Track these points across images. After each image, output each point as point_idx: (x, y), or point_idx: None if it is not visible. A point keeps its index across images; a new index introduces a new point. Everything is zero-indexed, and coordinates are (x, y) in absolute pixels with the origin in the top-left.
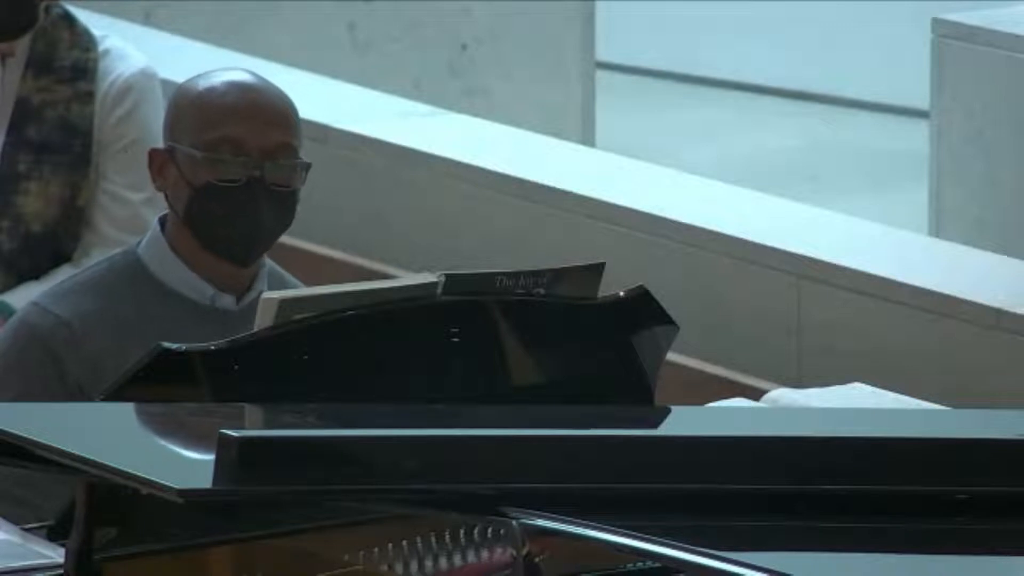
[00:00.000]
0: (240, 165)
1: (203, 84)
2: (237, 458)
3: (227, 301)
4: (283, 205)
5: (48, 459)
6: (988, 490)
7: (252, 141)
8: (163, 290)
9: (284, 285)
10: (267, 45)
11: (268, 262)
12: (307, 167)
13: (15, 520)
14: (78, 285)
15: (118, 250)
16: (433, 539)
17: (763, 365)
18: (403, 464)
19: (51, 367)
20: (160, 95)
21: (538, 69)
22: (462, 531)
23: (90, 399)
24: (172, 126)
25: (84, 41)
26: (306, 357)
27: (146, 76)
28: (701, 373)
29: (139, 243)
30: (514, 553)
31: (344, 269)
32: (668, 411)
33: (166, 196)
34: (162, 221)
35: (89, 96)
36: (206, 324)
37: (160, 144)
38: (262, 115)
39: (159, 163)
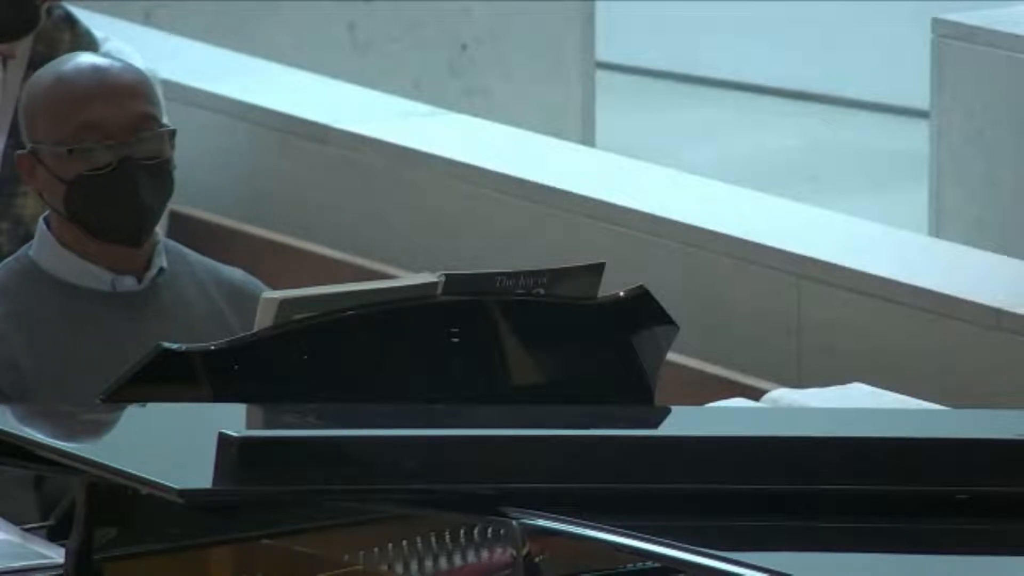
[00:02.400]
0: (105, 149)
1: (51, 77)
2: (237, 458)
3: (128, 283)
4: (159, 176)
5: (48, 459)
6: (988, 490)
7: (111, 122)
8: (62, 286)
9: (184, 258)
10: (267, 45)
11: (166, 240)
12: (173, 133)
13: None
14: None
15: (10, 256)
16: (433, 539)
17: (763, 365)
18: (403, 464)
19: None
20: (161, 96)
21: (538, 69)
22: (462, 531)
23: (10, 400)
24: (29, 127)
25: (85, 42)
26: (306, 357)
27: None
28: (701, 373)
29: (29, 247)
30: (514, 553)
31: (344, 269)
32: (668, 411)
33: (42, 196)
34: (46, 220)
35: None
36: (112, 310)
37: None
38: (113, 93)
39: (28, 166)
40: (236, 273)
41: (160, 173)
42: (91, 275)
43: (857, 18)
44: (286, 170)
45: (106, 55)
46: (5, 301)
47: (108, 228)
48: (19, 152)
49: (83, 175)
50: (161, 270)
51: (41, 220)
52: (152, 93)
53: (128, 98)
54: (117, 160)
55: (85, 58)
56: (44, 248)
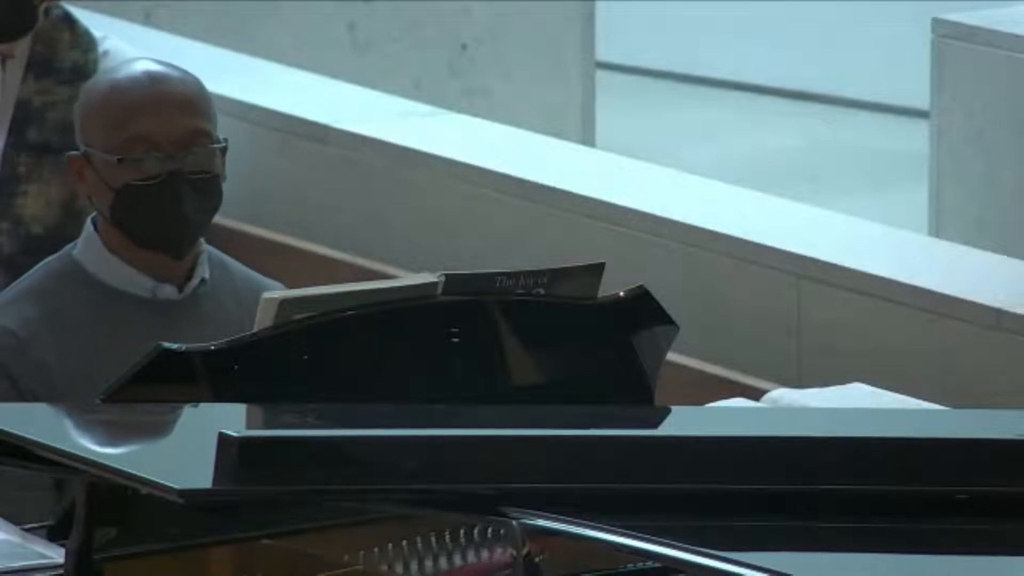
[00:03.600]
0: (155, 161)
1: (106, 84)
2: (237, 458)
3: (169, 291)
4: (206, 191)
5: (48, 459)
6: (988, 490)
7: (163, 134)
8: (104, 289)
9: (226, 269)
10: (267, 45)
11: (210, 248)
12: (224, 149)
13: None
14: (18, 294)
15: (52, 256)
16: (433, 539)
17: (763, 365)
18: (403, 464)
19: (2, 380)
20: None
21: (538, 69)
22: (462, 531)
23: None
24: (83, 130)
25: (84, 42)
26: (306, 357)
27: None
28: (701, 373)
29: (74, 246)
30: (514, 553)
31: (344, 269)
32: (668, 411)
33: (89, 199)
34: (94, 221)
35: None
36: (150, 317)
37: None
38: (168, 106)
39: (77, 168)
40: (276, 286)
41: (207, 188)
42: (133, 281)
43: (857, 18)
44: (286, 170)
45: (167, 63)
46: (42, 302)
47: (150, 238)
48: (71, 154)
49: (130, 184)
50: (203, 280)
51: (89, 221)
52: (207, 107)
53: (180, 111)
54: (166, 172)
55: (142, 66)
56: (89, 250)
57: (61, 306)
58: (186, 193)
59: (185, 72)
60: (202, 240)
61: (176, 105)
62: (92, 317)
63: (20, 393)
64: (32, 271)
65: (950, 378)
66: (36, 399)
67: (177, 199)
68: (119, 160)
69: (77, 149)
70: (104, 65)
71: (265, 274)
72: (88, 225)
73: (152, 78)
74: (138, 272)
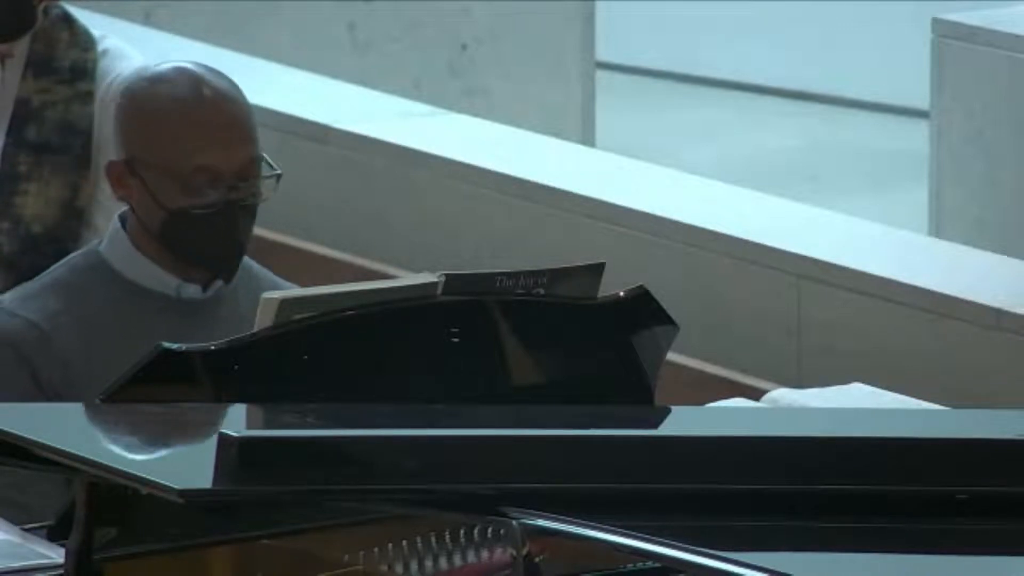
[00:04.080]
0: (216, 192)
1: (166, 98)
2: (237, 458)
3: (193, 291)
4: (253, 214)
5: (48, 459)
6: (988, 490)
7: (227, 165)
8: (128, 286)
9: (250, 272)
10: (267, 45)
11: None
12: (279, 177)
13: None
14: (42, 287)
15: (77, 251)
16: (433, 539)
17: (763, 365)
18: (403, 464)
19: (23, 368)
20: None
21: (538, 69)
22: (462, 531)
23: (63, 399)
24: (130, 140)
25: (83, 41)
26: (306, 357)
27: None
28: (701, 373)
29: (100, 242)
30: (514, 553)
31: (344, 269)
32: (668, 411)
33: (131, 205)
34: (122, 218)
35: (89, 96)
36: (174, 315)
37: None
38: (231, 136)
39: (117, 174)
40: (294, 287)
41: (255, 211)
42: (159, 279)
43: (857, 18)
44: (286, 170)
45: (213, 71)
46: (66, 298)
47: (203, 261)
48: (112, 160)
49: (186, 210)
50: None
51: (116, 218)
52: (255, 129)
53: (243, 142)
54: (223, 202)
55: (201, 81)
56: (116, 247)
57: (85, 300)
58: (239, 220)
59: (231, 83)
60: None
61: (239, 135)
62: (116, 313)
63: (40, 385)
64: (57, 265)
65: (950, 378)
66: (56, 391)
67: (231, 226)
68: (179, 183)
69: (83, 149)
70: (103, 64)
71: None
72: (115, 222)
73: (216, 100)
74: (165, 271)
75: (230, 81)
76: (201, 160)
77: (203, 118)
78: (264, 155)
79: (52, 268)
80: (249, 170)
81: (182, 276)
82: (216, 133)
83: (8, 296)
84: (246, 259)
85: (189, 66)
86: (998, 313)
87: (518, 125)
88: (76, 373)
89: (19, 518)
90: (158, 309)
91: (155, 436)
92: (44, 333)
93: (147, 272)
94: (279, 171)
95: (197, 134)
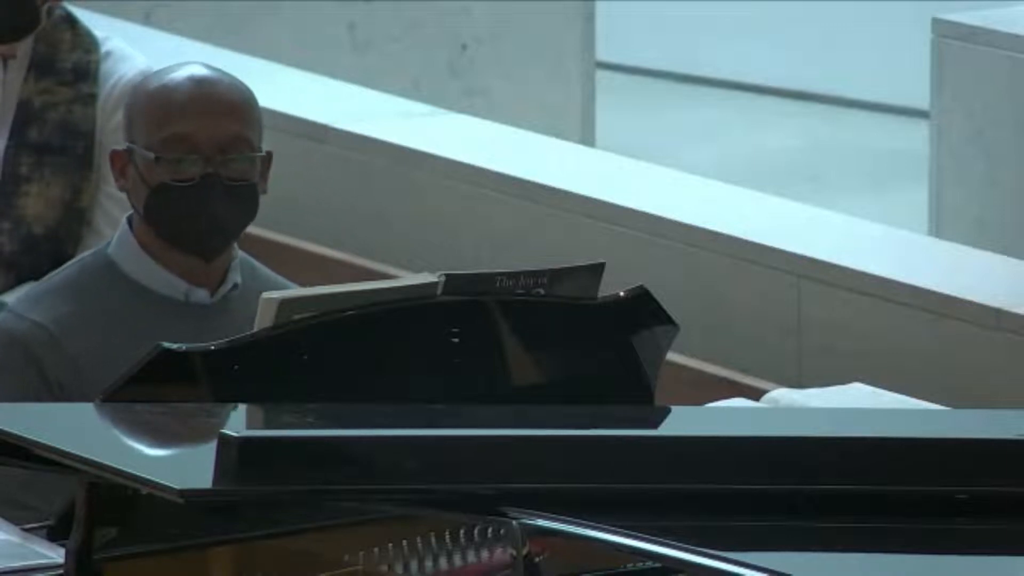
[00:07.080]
0: (192, 163)
1: (155, 82)
2: (237, 458)
3: (201, 295)
4: (241, 198)
5: (48, 459)
6: (988, 490)
7: (203, 137)
8: (137, 288)
9: (256, 275)
10: (267, 45)
11: (240, 253)
12: (267, 159)
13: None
14: (51, 288)
15: (87, 252)
16: (433, 539)
17: (763, 365)
18: (403, 464)
19: (32, 370)
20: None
21: (538, 69)
22: (462, 531)
23: (73, 401)
24: (128, 126)
25: (86, 43)
26: (306, 357)
27: None
28: (701, 373)
29: (108, 243)
30: (514, 553)
31: (344, 269)
32: (668, 411)
33: (128, 196)
34: (130, 220)
35: (91, 98)
36: (182, 319)
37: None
38: (212, 109)
39: (120, 164)
40: None
41: (242, 195)
42: (166, 282)
43: (857, 18)
44: (286, 170)
45: (219, 70)
46: (75, 299)
47: (181, 238)
48: (116, 149)
49: (165, 183)
50: (235, 286)
51: (124, 219)
52: (252, 115)
53: (224, 116)
54: (201, 175)
55: (193, 69)
56: (123, 248)
57: (95, 303)
58: (219, 198)
59: (235, 79)
60: (235, 245)
61: (220, 109)
62: (124, 314)
63: (48, 384)
64: (66, 265)
65: (950, 378)
66: (63, 391)
67: (208, 202)
68: (157, 158)
69: (85, 150)
70: (106, 66)
71: None
72: (123, 223)
73: (199, 81)
74: (171, 274)
75: (235, 78)
76: (176, 128)
77: (181, 92)
78: (252, 137)
79: (61, 268)
80: (231, 146)
81: (189, 279)
82: (195, 105)
83: (17, 298)
84: (254, 263)
85: (197, 63)
86: (998, 313)
87: (518, 125)
88: (85, 373)
89: (20, 518)
90: (166, 312)
91: (155, 436)
92: (53, 336)
93: (153, 273)
94: (262, 152)
95: (174, 104)
